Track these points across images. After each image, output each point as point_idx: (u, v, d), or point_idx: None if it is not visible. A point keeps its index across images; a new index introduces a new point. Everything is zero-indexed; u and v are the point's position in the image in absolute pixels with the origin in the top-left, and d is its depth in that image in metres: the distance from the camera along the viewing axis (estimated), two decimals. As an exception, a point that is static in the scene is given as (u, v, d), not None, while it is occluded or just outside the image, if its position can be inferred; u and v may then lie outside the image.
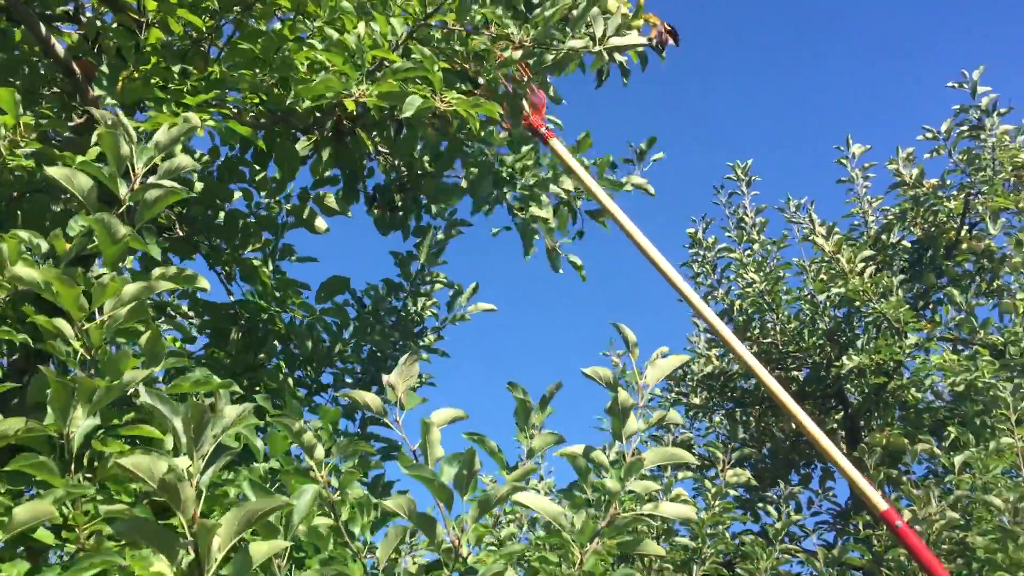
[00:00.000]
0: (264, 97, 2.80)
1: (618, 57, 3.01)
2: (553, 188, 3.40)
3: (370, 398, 2.02)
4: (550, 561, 2.10)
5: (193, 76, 2.69)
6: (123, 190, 1.93)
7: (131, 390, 1.89)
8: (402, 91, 2.53)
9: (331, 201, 3.40)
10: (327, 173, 3.34)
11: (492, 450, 2.27)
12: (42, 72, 2.86)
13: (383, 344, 3.82)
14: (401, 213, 3.61)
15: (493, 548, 2.57)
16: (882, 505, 2.36)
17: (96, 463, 1.82)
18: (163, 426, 1.96)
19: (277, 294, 3.34)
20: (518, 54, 2.76)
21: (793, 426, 7.15)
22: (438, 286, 4.18)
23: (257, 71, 2.80)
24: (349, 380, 3.92)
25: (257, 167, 3.35)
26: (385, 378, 2.10)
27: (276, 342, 3.42)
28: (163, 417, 1.47)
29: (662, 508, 2.07)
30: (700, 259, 6.65)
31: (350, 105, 2.92)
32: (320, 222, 3.42)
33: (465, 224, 3.98)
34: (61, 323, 1.81)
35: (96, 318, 1.82)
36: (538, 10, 2.71)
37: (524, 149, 3.32)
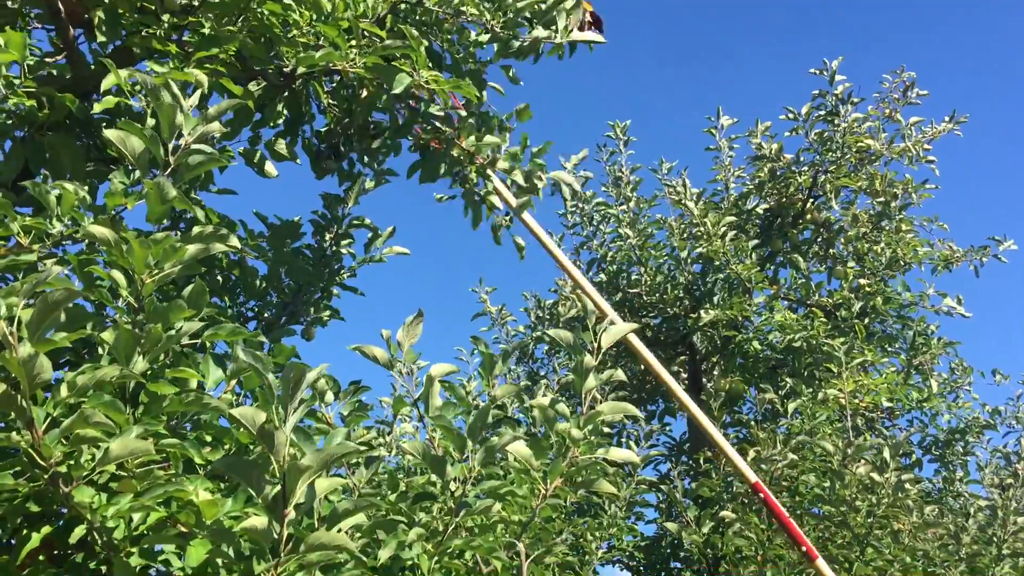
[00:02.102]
0: (237, 50, 2.93)
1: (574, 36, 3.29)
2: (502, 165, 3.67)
3: (379, 352, 2.32)
4: (517, 495, 2.48)
5: (181, 23, 2.81)
6: (170, 155, 2.11)
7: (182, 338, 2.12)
8: (391, 67, 2.76)
9: (281, 147, 3.57)
10: (277, 122, 3.51)
11: (461, 397, 2.61)
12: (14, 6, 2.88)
13: (309, 281, 4.03)
14: (340, 161, 3.82)
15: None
16: (752, 477, 2.87)
17: (149, 402, 2.03)
18: (196, 367, 2.20)
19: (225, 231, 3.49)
20: (486, 38, 3.03)
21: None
22: (357, 227, 4.40)
23: (237, 26, 2.93)
24: (268, 314, 4.12)
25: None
26: (385, 333, 2.39)
27: (219, 278, 3.59)
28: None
29: (612, 453, 2.48)
30: (579, 211, 7.10)
31: (345, 73, 3.08)
32: (270, 167, 3.58)
33: (391, 174, 4.21)
34: (117, 275, 2.01)
35: (152, 274, 2.02)
36: (510, 0, 2.97)
37: (489, 139, 3.57)
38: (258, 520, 1.72)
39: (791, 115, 6.68)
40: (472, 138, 3.24)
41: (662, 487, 5.47)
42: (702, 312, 6.21)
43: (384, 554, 2.04)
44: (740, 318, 6.32)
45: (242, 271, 3.63)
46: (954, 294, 6.64)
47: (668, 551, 5.97)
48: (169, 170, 2.13)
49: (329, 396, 2.31)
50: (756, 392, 6.06)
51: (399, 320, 2.55)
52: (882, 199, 6.65)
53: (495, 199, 3.37)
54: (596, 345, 2.61)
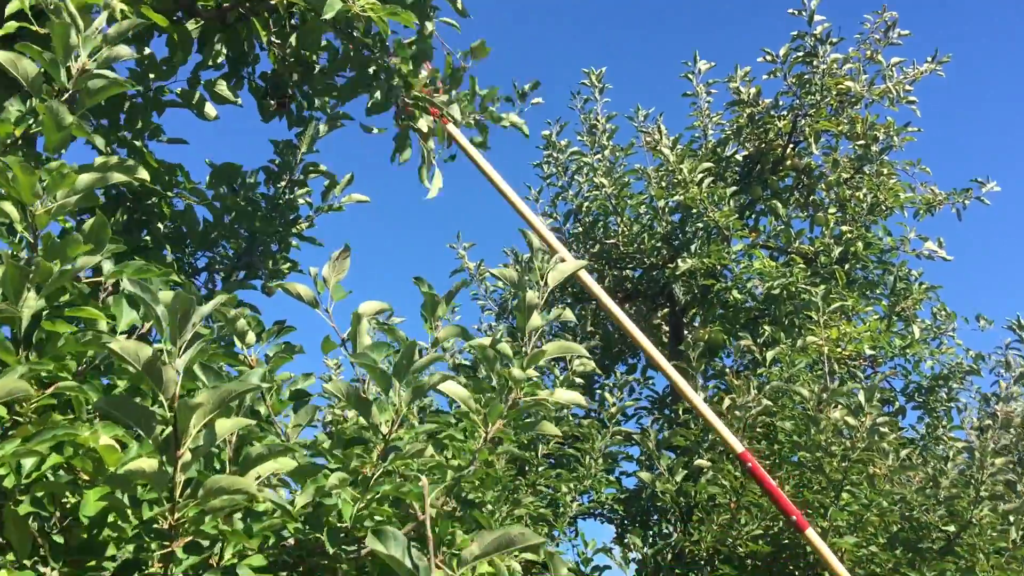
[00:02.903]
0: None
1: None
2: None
3: (302, 289, 2.18)
4: (456, 439, 2.36)
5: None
6: (65, 79, 1.96)
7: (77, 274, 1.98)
8: (321, -9, 2.60)
9: (222, 88, 3.40)
10: (217, 61, 3.34)
11: (401, 339, 2.48)
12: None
13: (263, 230, 3.89)
14: (287, 103, 3.65)
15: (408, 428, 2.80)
16: (738, 447, 2.75)
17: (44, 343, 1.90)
18: (98, 307, 2.06)
19: (167, 177, 3.35)
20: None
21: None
22: (313, 175, 4.25)
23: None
24: (221, 266, 3.99)
25: (143, 47, 3.30)
26: (313, 270, 2.25)
27: (160, 225, 3.44)
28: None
29: (557, 394, 2.36)
30: (553, 161, 6.94)
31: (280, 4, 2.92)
32: (209, 109, 3.42)
33: (346, 117, 4.05)
34: (8, 207, 1.87)
35: (45, 204, 1.88)
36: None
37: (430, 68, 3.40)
38: (146, 463, 1.59)
39: (769, 57, 6.50)
40: (411, 67, 3.08)
41: (640, 439, 5.37)
42: (679, 261, 6.07)
43: (301, 500, 1.92)
44: (718, 266, 6.19)
45: (184, 219, 3.48)
46: (935, 238, 6.51)
47: (647, 503, 5.89)
48: (67, 95, 1.98)
49: (251, 337, 2.17)
50: (731, 340, 5.94)
51: (374, 276, 2.43)
52: (863, 142, 6.49)
53: (422, 125, 3.22)
54: (543, 283, 2.49)
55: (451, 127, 3.33)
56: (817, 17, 6.33)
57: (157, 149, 3.79)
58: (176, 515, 1.69)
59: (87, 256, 1.87)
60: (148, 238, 3.39)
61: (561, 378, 4.65)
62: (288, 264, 4.19)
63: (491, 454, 2.34)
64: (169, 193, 3.31)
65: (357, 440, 2.26)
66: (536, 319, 2.37)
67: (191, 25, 3.28)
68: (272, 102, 3.45)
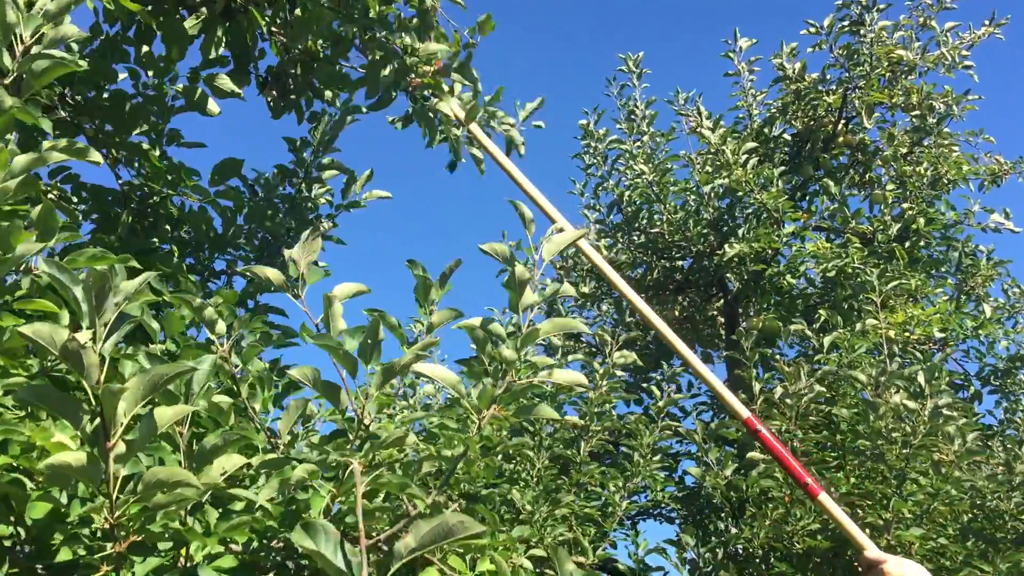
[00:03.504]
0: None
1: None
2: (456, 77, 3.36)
3: (271, 272, 2.05)
4: (449, 427, 2.20)
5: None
6: (8, 61, 1.86)
7: (24, 265, 1.88)
8: (296, -36, 2.48)
9: (224, 83, 3.32)
10: (218, 53, 3.25)
11: (392, 325, 2.33)
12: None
13: (276, 230, 3.80)
14: (294, 97, 3.55)
15: (392, 417, 2.67)
16: (744, 413, 2.54)
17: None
18: (58, 301, 1.96)
19: (169, 177, 3.27)
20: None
21: (677, 313, 7.45)
22: (332, 173, 4.14)
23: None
24: (242, 267, 3.90)
25: (144, 46, 3.23)
26: (287, 252, 2.12)
27: (168, 227, 3.37)
28: (63, 286, 1.47)
29: (555, 375, 2.18)
30: (591, 151, 6.75)
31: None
32: (212, 105, 3.34)
33: (359, 111, 3.93)
34: (-54, 195, 1.77)
35: (-16, 191, 1.78)
36: None
37: (432, 45, 3.26)
38: (72, 456, 1.46)
39: (813, 29, 6.21)
40: (413, 42, 2.94)
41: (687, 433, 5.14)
42: (727, 247, 5.82)
43: (264, 495, 1.78)
44: (769, 251, 5.92)
45: (193, 220, 3.40)
46: (1001, 209, 6.12)
47: (703, 501, 5.64)
48: (9, 78, 1.88)
49: (220, 326, 2.05)
50: (784, 328, 5.66)
51: (398, 275, 2.30)
52: (919, 113, 6.15)
53: (444, 107, 3.07)
54: (537, 255, 2.32)
55: (456, 109, 3.18)
56: (863, -17, 6.04)
57: (178, 154, 3.73)
58: (116, 513, 1.56)
59: (28, 245, 1.75)
60: (156, 240, 3.31)
61: (561, 359, 4.45)
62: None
63: (486, 442, 2.17)
64: (171, 192, 3.23)
65: (338, 432, 2.11)
66: (529, 295, 2.19)
67: (191, 21, 3.20)
68: (273, 92, 3.34)
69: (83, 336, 1.53)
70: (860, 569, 3.98)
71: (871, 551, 2.26)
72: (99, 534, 1.66)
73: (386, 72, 3.01)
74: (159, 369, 1.50)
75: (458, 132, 3.27)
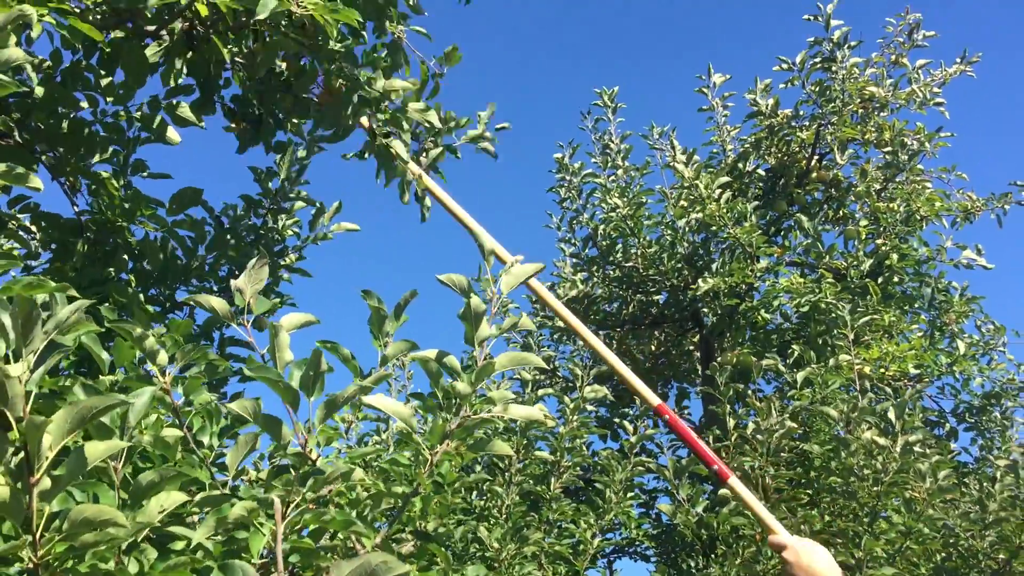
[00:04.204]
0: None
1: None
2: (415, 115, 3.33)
3: (216, 302, 1.99)
4: (400, 463, 2.14)
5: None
6: (-56, 81, 1.81)
7: (-43, 292, 1.82)
8: (254, -8, 2.44)
9: (184, 111, 3.26)
10: (180, 81, 3.20)
11: (345, 357, 2.27)
12: None
13: (241, 262, 3.74)
14: (259, 128, 3.50)
15: (345, 453, 2.60)
16: (654, 401, 2.53)
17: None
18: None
19: (127, 206, 3.21)
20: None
21: (654, 348, 7.41)
22: (300, 204, 4.10)
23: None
24: (187, 297, 3.84)
25: (103, 73, 3.18)
26: (233, 282, 2.06)
27: (126, 256, 3.30)
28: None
29: (511, 410, 2.13)
30: (566, 184, 6.74)
31: (202, 9, 2.80)
32: (172, 133, 3.28)
33: (326, 140, 3.89)
34: None
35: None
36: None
37: (398, 81, 3.23)
38: (-7, 491, 1.40)
39: (785, 65, 6.24)
40: (375, 78, 2.91)
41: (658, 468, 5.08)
42: (700, 281, 5.80)
43: (200, 533, 1.71)
44: (743, 286, 5.90)
45: (151, 251, 3.33)
46: (974, 245, 6.14)
47: (677, 538, 5.57)
48: (-55, 100, 1.83)
49: (162, 356, 1.98)
50: (758, 362, 5.62)
51: (363, 306, 2.26)
52: (891, 149, 6.17)
53: (399, 147, 3.03)
54: (494, 290, 2.27)
55: (400, 149, 3.15)
56: (834, 22, 6.08)
57: (143, 185, 3.67)
58: (39, 552, 1.49)
59: (-39, 270, 1.69)
60: (112, 270, 3.24)
61: (531, 394, 4.41)
62: (278, 299, 4.03)
63: (438, 478, 2.11)
64: (122, 222, 3.17)
65: (284, 468, 2.05)
66: (485, 328, 2.14)
67: (152, 49, 3.15)
68: (232, 123, 3.29)
69: (15, 368, 1.47)
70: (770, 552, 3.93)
71: (779, 535, 2.26)
72: (25, 574, 1.59)
73: (348, 109, 2.97)
74: (88, 402, 1.44)
75: (409, 178, 3.24)
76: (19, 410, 1.41)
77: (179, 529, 1.80)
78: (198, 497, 1.78)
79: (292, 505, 1.82)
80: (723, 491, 4.48)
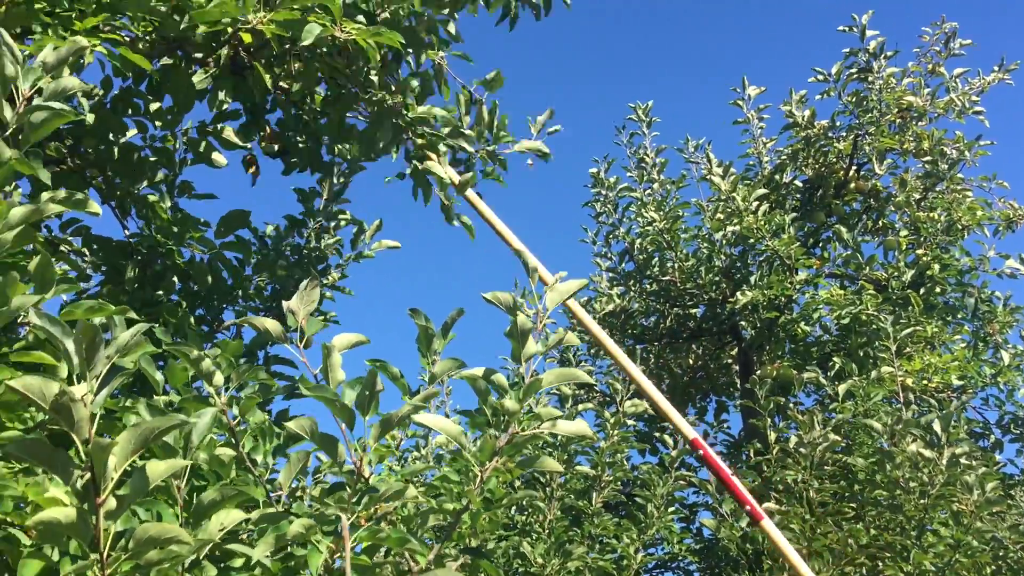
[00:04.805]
0: (157, 23, 2.72)
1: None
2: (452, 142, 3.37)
3: (270, 323, 2.03)
4: (451, 480, 2.16)
5: (81, 1, 2.60)
6: (8, 113, 1.87)
7: (21, 317, 1.87)
8: (301, 19, 2.50)
9: (230, 135, 3.33)
10: (226, 107, 3.28)
11: (394, 376, 2.30)
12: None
13: (285, 281, 3.79)
14: (295, 158, 3.56)
15: (395, 471, 2.63)
16: (691, 434, 2.53)
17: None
18: (56, 353, 1.94)
19: (175, 229, 3.28)
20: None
21: (691, 362, 7.39)
22: (342, 223, 4.15)
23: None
24: (239, 319, 3.89)
25: (152, 99, 3.26)
26: (285, 304, 2.10)
27: (175, 278, 3.37)
28: (55, 339, 1.45)
29: (559, 426, 2.14)
30: (602, 199, 6.75)
31: (246, 37, 2.86)
32: (219, 156, 3.36)
33: (367, 159, 3.94)
34: (-56, 249, 1.77)
35: (-18, 244, 1.78)
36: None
37: (432, 108, 3.28)
38: (62, 512, 1.44)
39: (821, 76, 6.22)
40: (416, 104, 2.96)
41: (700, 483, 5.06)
42: (739, 294, 5.78)
43: (260, 551, 1.74)
44: (782, 298, 5.87)
45: (198, 272, 3.40)
46: (1017, 254, 6.06)
47: (721, 553, 5.53)
48: (8, 130, 1.89)
49: (218, 377, 2.02)
50: (799, 376, 5.58)
51: (407, 324, 2.29)
52: (930, 159, 6.12)
53: (438, 170, 3.07)
54: (539, 307, 2.29)
55: (436, 167, 3.20)
56: (870, 32, 6.06)
57: (189, 206, 3.74)
58: (107, 571, 1.53)
59: (24, 297, 1.74)
60: (162, 292, 3.30)
61: (572, 409, 4.41)
62: (321, 317, 4.07)
63: (488, 495, 2.13)
64: (171, 244, 3.23)
65: (338, 485, 2.08)
66: (532, 345, 2.16)
67: (200, 76, 3.23)
68: (274, 145, 3.35)
69: (78, 390, 1.51)
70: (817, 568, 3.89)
71: None
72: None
73: (381, 132, 3.02)
74: (150, 423, 1.48)
75: (452, 198, 3.28)
76: (85, 432, 1.45)
77: (238, 546, 1.84)
78: (255, 514, 1.81)
79: (347, 522, 1.85)
80: (768, 505, 4.46)
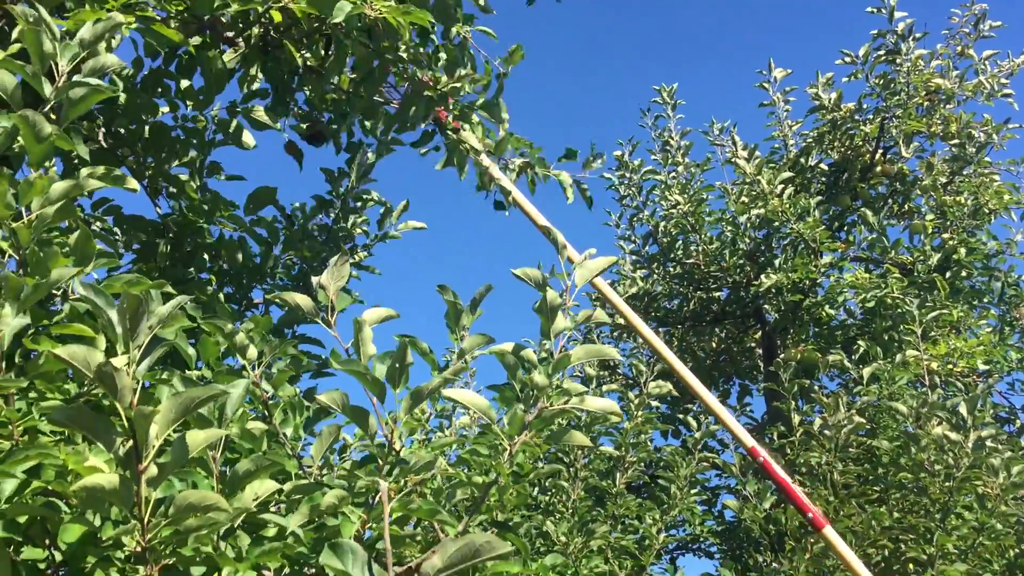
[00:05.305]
0: (189, 2, 2.75)
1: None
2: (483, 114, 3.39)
3: (301, 299, 2.06)
4: (480, 454, 2.19)
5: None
6: (47, 89, 1.90)
7: (62, 290, 1.91)
8: (331, -1, 2.52)
9: (260, 114, 3.36)
10: (255, 86, 3.30)
11: (423, 351, 2.33)
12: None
13: (313, 259, 3.83)
14: (328, 140, 3.58)
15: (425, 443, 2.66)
16: (749, 442, 2.53)
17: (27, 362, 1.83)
18: (95, 326, 1.98)
19: (205, 208, 3.32)
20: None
21: (714, 345, 7.38)
22: (369, 203, 4.18)
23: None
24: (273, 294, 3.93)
25: (183, 79, 3.29)
26: (315, 279, 2.13)
27: (205, 256, 3.41)
28: (98, 309, 1.49)
29: (587, 402, 2.16)
30: (626, 181, 6.75)
31: (276, 16, 2.88)
32: (248, 137, 3.39)
33: (397, 143, 3.96)
34: (-14, 222, 1.81)
35: (23, 218, 1.81)
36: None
37: (460, 72, 3.29)
38: (105, 479, 1.47)
39: (848, 58, 6.18)
40: (439, 77, 2.97)
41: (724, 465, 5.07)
42: (763, 277, 5.77)
43: (295, 521, 1.77)
44: (807, 282, 5.85)
45: (229, 250, 3.44)
46: (1045, 238, 6.01)
47: (742, 535, 5.55)
48: (48, 106, 1.92)
49: (251, 351, 2.06)
50: (824, 358, 5.58)
51: (432, 302, 2.31)
52: (958, 142, 6.07)
53: (471, 139, 3.09)
54: (568, 283, 2.31)
55: (484, 159, 3.20)
56: (898, 13, 6.01)
57: (217, 187, 3.78)
58: (147, 536, 1.57)
59: (64, 270, 1.78)
60: (193, 270, 3.35)
61: (595, 390, 4.42)
62: (348, 297, 4.11)
63: (517, 469, 2.16)
64: (202, 222, 3.26)
65: (369, 458, 2.11)
66: (561, 321, 2.18)
67: (230, 55, 3.25)
68: (303, 126, 3.38)
69: (119, 361, 1.55)
70: None
71: None
72: (131, 558, 1.67)
73: (415, 109, 3.04)
74: (191, 392, 1.51)
75: (487, 164, 3.28)
76: (127, 401, 1.48)
77: (272, 516, 1.88)
78: (289, 486, 1.85)
79: (378, 495, 1.88)
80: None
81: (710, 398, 2.55)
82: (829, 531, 2.36)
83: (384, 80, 3.34)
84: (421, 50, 3.04)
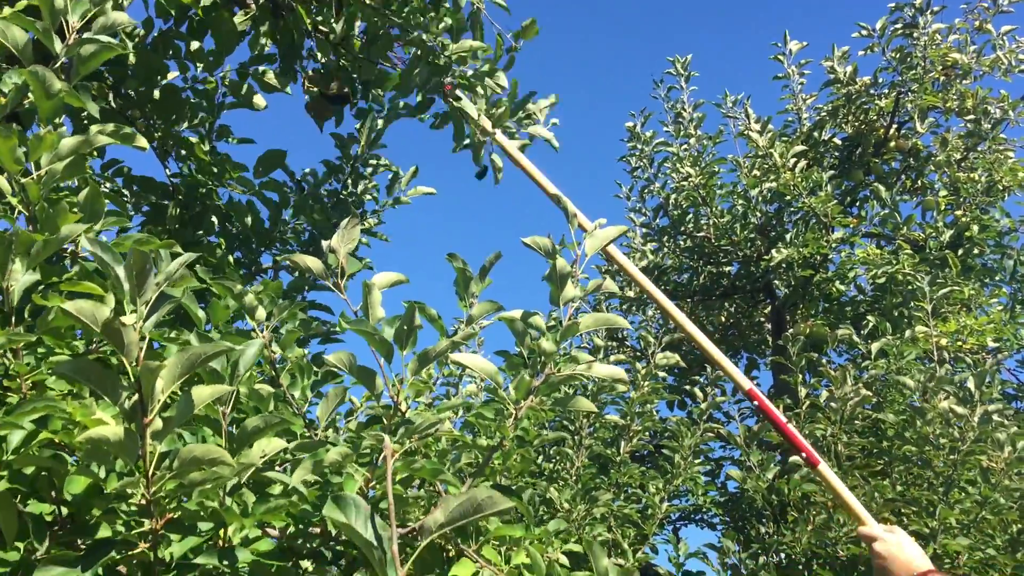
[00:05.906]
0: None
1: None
2: (488, 82, 3.36)
3: (311, 261, 2.06)
4: (486, 417, 2.20)
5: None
6: (58, 45, 1.90)
7: (72, 247, 1.92)
8: (341, -42, 2.51)
9: (271, 78, 3.35)
10: (264, 49, 3.30)
11: (432, 317, 2.33)
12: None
13: (322, 226, 3.83)
14: (341, 102, 3.57)
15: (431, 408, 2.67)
16: (745, 384, 2.54)
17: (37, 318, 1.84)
18: (104, 284, 1.99)
19: (215, 170, 3.32)
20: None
21: (723, 319, 7.38)
22: (380, 169, 4.17)
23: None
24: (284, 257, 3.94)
25: (193, 41, 3.28)
26: (325, 243, 2.13)
27: (214, 219, 3.42)
28: (105, 265, 1.49)
29: (595, 369, 2.16)
30: (638, 153, 6.72)
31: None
32: (259, 99, 3.38)
33: (406, 109, 3.95)
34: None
35: (33, 174, 1.82)
36: None
37: (469, 43, 3.27)
38: (110, 431, 1.49)
39: (865, 31, 6.11)
40: (446, 43, 2.95)
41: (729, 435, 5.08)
42: (774, 251, 5.75)
43: (298, 475, 1.79)
44: (818, 256, 5.83)
45: (238, 212, 3.44)
46: (1059, 216, 5.97)
47: (745, 505, 5.57)
48: (58, 63, 1.93)
49: (260, 312, 2.07)
50: (833, 332, 5.56)
51: (442, 269, 2.31)
52: (973, 118, 6.02)
53: (470, 108, 3.07)
54: (579, 252, 2.31)
55: (484, 122, 3.18)
56: (917, -14, 5.94)
57: (227, 150, 3.78)
58: (152, 489, 1.58)
59: (74, 226, 1.79)
60: (202, 233, 3.36)
61: (603, 360, 4.42)
62: (358, 262, 4.12)
63: (522, 434, 2.17)
64: (217, 184, 3.27)
65: (375, 419, 2.13)
66: (570, 289, 2.18)
67: (240, 17, 3.25)
68: (314, 89, 3.37)
69: (127, 318, 1.56)
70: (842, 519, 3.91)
71: (868, 527, 2.24)
72: (136, 510, 1.68)
73: (417, 71, 3.02)
74: (197, 348, 1.52)
75: (482, 138, 3.27)
76: (134, 356, 1.49)
77: (275, 474, 1.89)
78: (294, 443, 1.86)
79: (382, 454, 1.89)
80: (794, 458, 4.48)
81: (706, 342, 2.56)
82: (824, 468, 2.40)
83: (391, 45, 3.32)
84: (430, 15, 3.03)
